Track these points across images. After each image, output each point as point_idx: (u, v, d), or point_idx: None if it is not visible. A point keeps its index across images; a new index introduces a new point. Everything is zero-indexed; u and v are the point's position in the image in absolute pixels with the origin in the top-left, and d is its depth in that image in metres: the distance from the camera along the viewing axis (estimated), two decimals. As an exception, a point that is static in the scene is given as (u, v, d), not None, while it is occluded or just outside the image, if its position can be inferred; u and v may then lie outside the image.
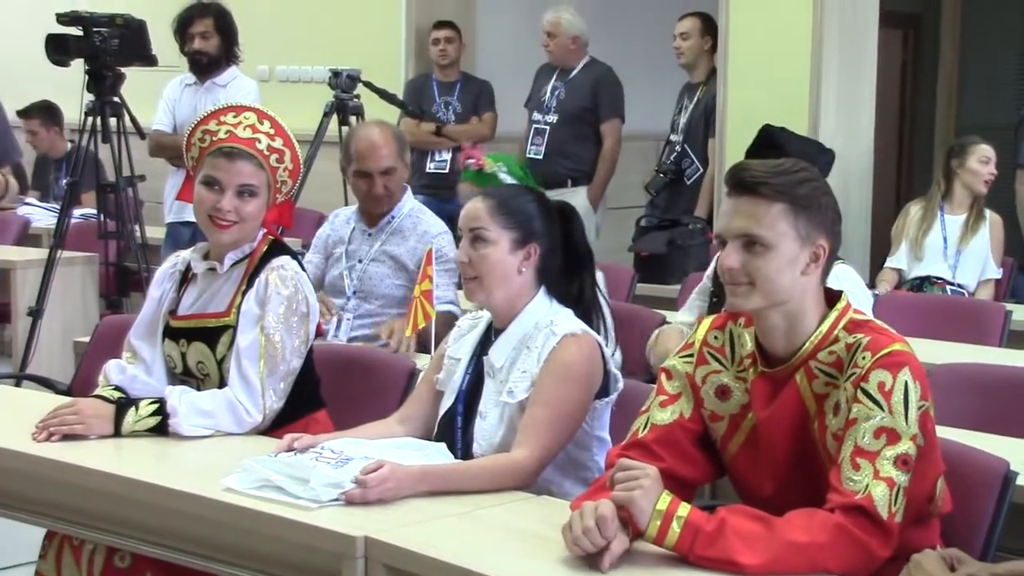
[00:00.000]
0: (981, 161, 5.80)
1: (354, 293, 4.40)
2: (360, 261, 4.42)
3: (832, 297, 2.50)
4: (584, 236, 3.07)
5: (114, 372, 3.25)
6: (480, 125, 7.11)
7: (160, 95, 6.38)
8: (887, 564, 2.31)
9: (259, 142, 3.20)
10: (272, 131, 3.22)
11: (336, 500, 2.59)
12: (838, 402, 2.40)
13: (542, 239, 2.96)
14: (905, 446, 2.32)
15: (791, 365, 2.46)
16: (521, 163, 4.33)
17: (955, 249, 5.72)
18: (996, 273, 5.75)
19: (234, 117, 3.21)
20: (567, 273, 3.01)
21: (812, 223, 2.43)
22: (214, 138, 3.20)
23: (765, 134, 3.90)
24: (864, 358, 2.37)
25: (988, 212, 5.81)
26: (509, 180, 4.20)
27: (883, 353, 2.36)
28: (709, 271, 4.03)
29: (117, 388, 3.20)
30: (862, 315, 2.49)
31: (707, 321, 2.65)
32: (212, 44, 6.21)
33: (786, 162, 2.49)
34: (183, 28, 6.24)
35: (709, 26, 6.62)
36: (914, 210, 5.94)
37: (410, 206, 4.46)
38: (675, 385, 2.60)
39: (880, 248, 6.22)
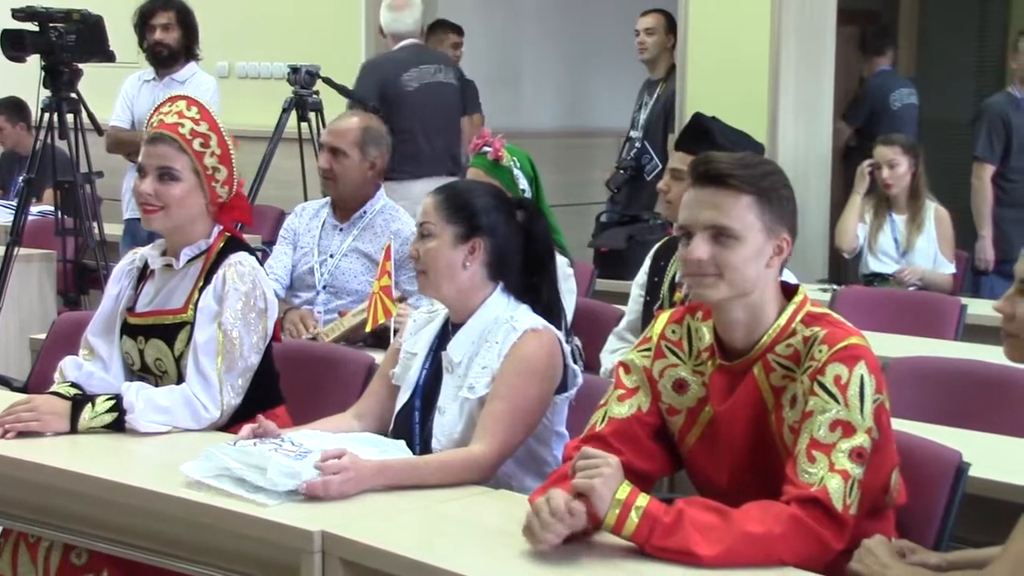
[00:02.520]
0: (876, 166, 5.76)
1: (324, 287, 4.42)
2: (331, 256, 4.43)
3: (789, 291, 2.52)
4: (546, 234, 3.06)
5: (70, 369, 3.23)
6: (470, 128, 6.97)
7: (118, 91, 6.34)
8: (842, 556, 2.33)
9: (182, 126, 3.17)
10: (198, 116, 3.19)
11: (293, 491, 2.58)
12: (795, 395, 2.42)
13: (490, 234, 2.95)
14: (860, 439, 2.34)
15: (749, 358, 2.48)
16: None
17: (903, 249, 5.73)
18: (948, 268, 5.70)
19: (168, 107, 3.22)
20: (527, 270, 3.01)
21: (775, 215, 2.45)
22: (150, 129, 3.21)
23: (695, 122, 3.90)
24: (821, 351, 2.39)
25: (933, 208, 5.73)
26: (522, 178, 4.18)
27: (839, 347, 2.38)
28: (645, 267, 4.02)
29: (73, 385, 3.18)
30: (819, 308, 2.50)
31: (664, 315, 2.66)
32: (173, 37, 6.18)
33: (747, 155, 2.51)
34: (144, 20, 6.20)
35: (672, 23, 6.64)
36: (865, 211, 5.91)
37: (383, 203, 4.48)
38: (633, 379, 2.61)
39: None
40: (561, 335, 2.96)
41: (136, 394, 3.07)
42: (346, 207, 4.48)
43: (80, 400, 3.08)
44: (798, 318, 2.47)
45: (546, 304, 3.00)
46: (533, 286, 3.01)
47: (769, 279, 2.47)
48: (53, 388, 3.18)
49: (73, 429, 3.04)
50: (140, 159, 3.21)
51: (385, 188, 5.33)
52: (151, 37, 6.18)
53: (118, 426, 3.05)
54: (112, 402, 3.06)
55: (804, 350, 2.42)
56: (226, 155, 3.20)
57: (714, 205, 2.42)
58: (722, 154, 2.52)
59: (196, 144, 3.17)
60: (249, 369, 3.19)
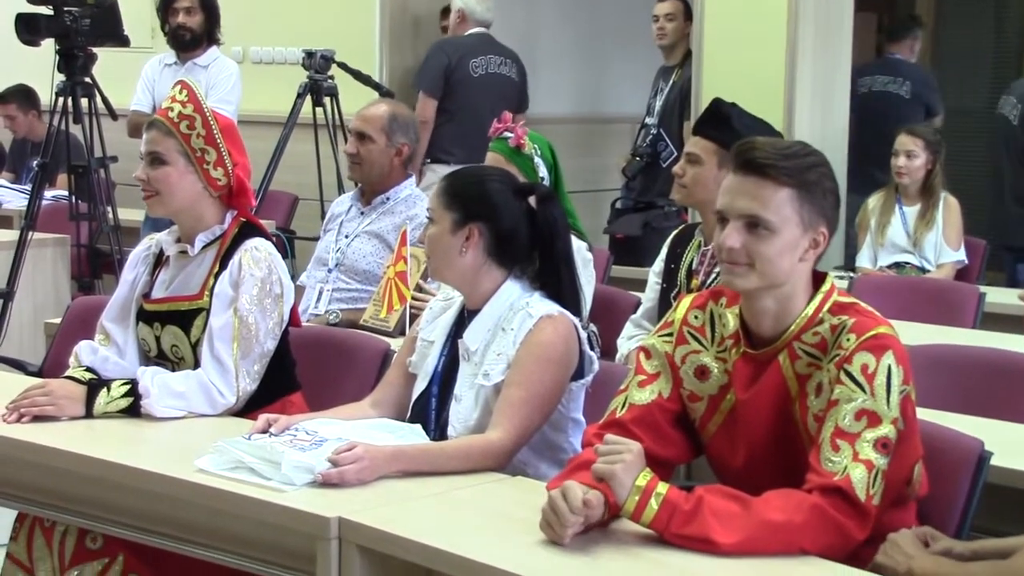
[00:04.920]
0: (895, 153, 5.76)
1: (336, 266, 4.44)
2: (347, 236, 4.48)
3: (817, 278, 2.49)
4: (555, 218, 3.00)
5: (85, 353, 3.22)
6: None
7: (131, 76, 6.32)
8: (863, 546, 2.31)
9: (171, 110, 3.19)
10: (186, 98, 3.19)
11: (308, 484, 2.57)
12: (821, 383, 2.40)
13: (489, 220, 2.92)
14: (885, 429, 2.32)
15: (775, 347, 2.45)
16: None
17: (914, 239, 5.70)
18: (953, 256, 5.66)
19: (170, 93, 3.24)
20: (540, 256, 2.99)
21: (815, 210, 2.41)
22: None
23: (714, 107, 3.88)
24: (848, 340, 2.37)
25: (944, 196, 5.71)
26: (542, 166, 4.16)
27: (867, 336, 2.36)
28: (662, 254, 4.00)
29: (88, 369, 3.17)
30: (847, 297, 2.48)
31: (687, 300, 2.63)
32: (196, 20, 6.15)
33: (794, 144, 2.48)
34: (167, 3, 6.17)
35: (688, 9, 6.61)
36: (872, 203, 5.91)
37: (409, 192, 4.51)
38: (654, 365, 2.59)
39: (854, 233, 6.23)
40: (577, 321, 2.94)
41: (152, 379, 3.06)
42: (371, 192, 4.53)
43: (95, 385, 3.08)
44: (826, 307, 2.44)
45: (564, 290, 2.98)
46: (548, 271, 2.99)
47: (802, 272, 2.45)
48: (68, 373, 3.18)
49: (88, 414, 3.03)
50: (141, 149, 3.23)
51: (432, 169, 5.35)
52: (173, 20, 6.15)
53: (133, 411, 3.04)
54: (127, 387, 3.05)
55: (831, 339, 2.40)
56: (211, 136, 3.18)
57: (752, 195, 2.39)
58: (768, 141, 2.47)
59: (183, 127, 3.17)
60: (265, 355, 3.18)
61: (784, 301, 2.44)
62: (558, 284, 2.97)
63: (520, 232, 2.96)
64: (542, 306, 2.89)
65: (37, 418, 3.00)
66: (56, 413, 3.01)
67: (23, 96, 7.90)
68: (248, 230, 3.25)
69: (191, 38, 6.14)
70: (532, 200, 3.00)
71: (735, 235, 2.40)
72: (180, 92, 3.21)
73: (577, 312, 2.97)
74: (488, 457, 2.74)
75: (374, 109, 4.58)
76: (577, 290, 3.03)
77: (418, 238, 3.09)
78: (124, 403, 3.04)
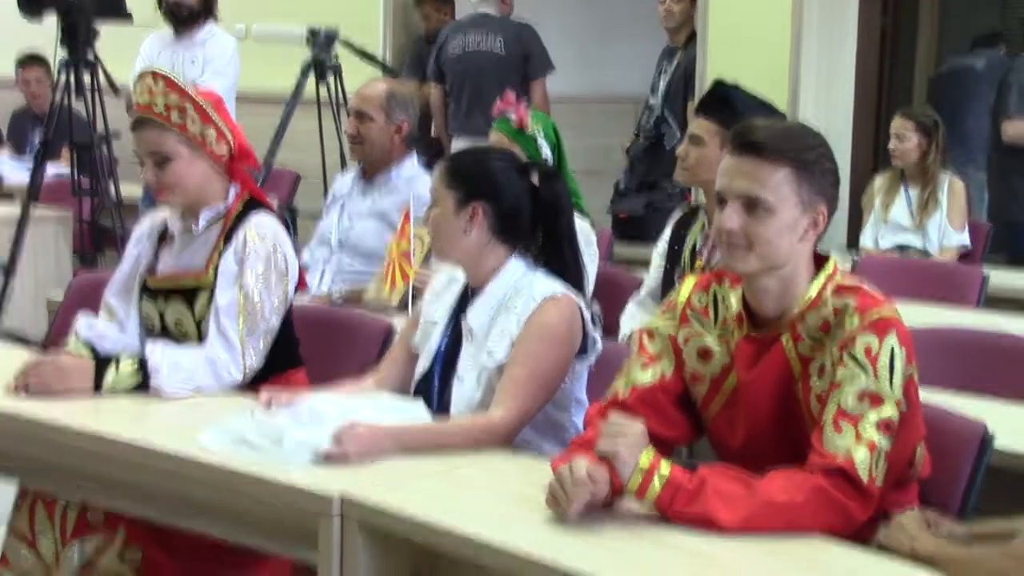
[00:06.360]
0: (892, 135, 5.78)
1: (339, 244, 4.45)
2: (350, 216, 4.50)
3: (820, 260, 2.49)
4: (558, 196, 3.00)
5: (83, 328, 3.23)
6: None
7: (134, 51, 6.30)
8: (865, 525, 2.31)
9: (155, 105, 3.15)
10: (165, 88, 3.15)
11: (311, 461, 2.57)
12: (823, 365, 2.39)
13: (492, 199, 2.92)
14: (889, 411, 2.32)
15: (778, 328, 2.45)
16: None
17: (918, 220, 5.70)
18: (957, 240, 5.67)
19: (139, 86, 3.19)
20: (544, 233, 2.99)
21: (814, 189, 2.40)
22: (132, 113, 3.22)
23: (717, 88, 3.87)
24: (852, 321, 2.36)
25: (948, 179, 5.73)
26: (545, 146, 4.16)
27: (871, 317, 2.36)
28: (666, 234, 4.00)
29: (87, 344, 3.18)
30: (851, 278, 2.47)
31: (690, 281, 2.63)
32: None
33: (793, 125, 2.47)
34: None
35: (695, -11, 6.59)
36: (878, 182, 5.92)
37: (411, 171, 4.49)
38: (656, 346, 2.59)
39: (858, 213, 6.22)
40: (582, 301, 2.93)
41: (161, 356, 3.06)
42: (372, 170, 4.53)
43: (104, 361, 3.07)
44: (829, 288, 2.43)
45: (568, 267, 2.97)
46: (552, 249, 2.98)
47: (803, 252, 2.43)
48: (67, 348, 3.18)
49: (97, 390, 3.03)
50: (134, 147, 3.21)
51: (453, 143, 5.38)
52: None
53: (142, 389, 3.04)
54: (136, 365, 3.05)
55: (835, 320, 2.39)
56: (206, 116, 3.17)
57: (749, 175, 2.38)
58: (765, 122, 2.46)
59: (174, 117, 3.14)
60: (270, 331, 3.18)
61: (786, 282, 2.43)
62: (561, 261, 2.97)
63: (523, 210, 2.95)
64: (546, 286, 2.89)
65: (43, 393, 2.99)
66: (64, 389, 3.00)
67: (46, 64, 7.84)
68: (252, 205, 3.25)
69: (188, 14, 6.12)
70: (535, 178, 2.99)
71: (734, 216, 2.39)
72: (156, 83, 3.15)
73: (580, 289, 2.97)
74: (491, 435, 2.74)
75: (372, 88, 4.58)
76: (581, 268, 3.03)
77: (422, 220, 3.07)
78: (133, 381, 3.04)
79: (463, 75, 6.78)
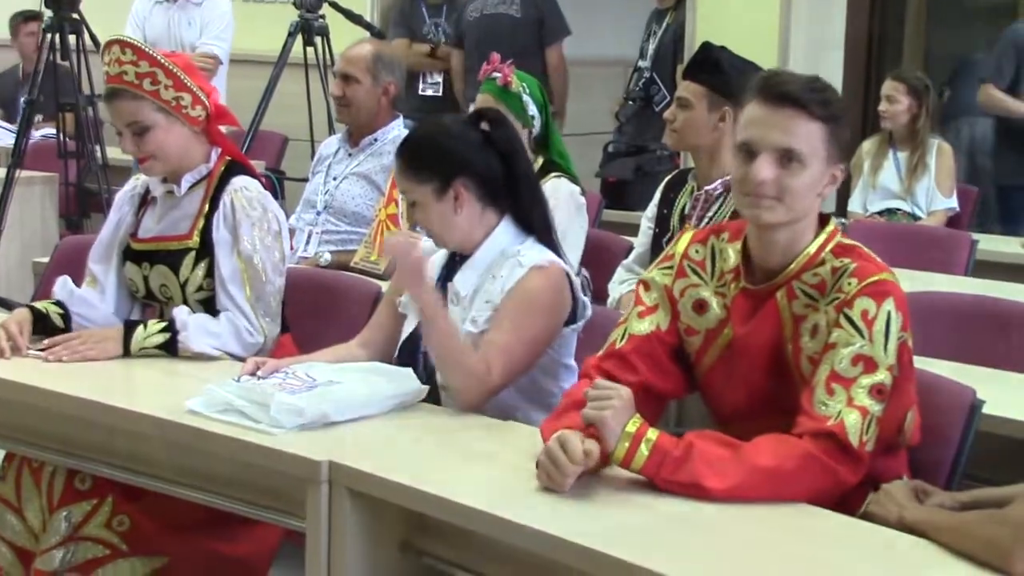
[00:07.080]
0: (883, 97, 5.76)
1: (325, 208, 4.42)
2: (335, 178, 4.45)
3: (823, 219, 2.47)
4: (511, 139, 2.95)
5: (59, 289, 3.23)
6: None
7: (118, 12, 6.25)
8: (854, 489, 2.31)
9: (125, 74, 3.12)
10: (134, 57, 3.11)
11: (298, 427, 2.56)
12: (817, 325, 2.38)
13: (465, 172, 2.87)
14: (881, 376, 2.31)
15: (774, 283, 2.44)
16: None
17: (906, 184, 5.69)
18: (944, 204, 5.65)
19: (107, 56, 3.15)
20: (507, 179, 2.92)
21: (838, 144, 2.39)
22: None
23: (704, 51, 3.85)
24: (850, 284, 2.35)
25: (936, 143, 5.71)
26: (531, 104, 4.14)
27: (870, 281, 2.34)
28: (655, 199, 3.98)
29: (57, 303, 3.19)
30: (849, 240, 2.46)
31: (688, 234, 2.61)
32: None
33: (814, 78, 2.44)
34: None
35: (685, -48, 6.55)
36: (867, 146, 5.91)
37: (397, 132, 4.45)
38: (652, 296, 2.57)
39: (846, 179, 6.21)
40: (569, 267, 2.91)
41: (188, 316, 3.09)
42: (359, 133, 4.50)
43: (131, 324, 3.11)
44: (828, 248, 2.42)
45: (531, 210, 2.92)
46: (514, 192, 2.92)
47: (817, 207, 2.43)
48: (34, 303, 3.22)
49: (126, 352, 3.05)
50: (111, 119, 3.18)
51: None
52: None
53: (170, 346, 3.06)
54: (164, 324, 3.07)
55: (831, 281, 2.38)
56: (178, 82, 3.14)
57: (784, 127, 2.35)
58: (792, 73, 2.44)
59: (146, 85, 3.12)
60: (277, 291, 3.21)
61: (795, 236, 2.42)
62: (521, 203, 2.92)
63: (492, 161, 2.91)
64: (533, 254, 2.86)
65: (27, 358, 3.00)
66: (96, 356, 3.03)
67: (37, 19, 7.70)
68: (234, 167, 3.23)
69: None
70: (485, 125, 2.95)
71: (768, 167, 2.35)
72: (124, 53, 3.11)
73: (546, 228, 2.93)
74: (474, 378, 2.72)
75: (358, 49, 4.54)
76: (546, 211, 2.98)
77: (408, 227, 3.03)
78: (160, 339, 3.06)
79: (480, 39, 6.56)
